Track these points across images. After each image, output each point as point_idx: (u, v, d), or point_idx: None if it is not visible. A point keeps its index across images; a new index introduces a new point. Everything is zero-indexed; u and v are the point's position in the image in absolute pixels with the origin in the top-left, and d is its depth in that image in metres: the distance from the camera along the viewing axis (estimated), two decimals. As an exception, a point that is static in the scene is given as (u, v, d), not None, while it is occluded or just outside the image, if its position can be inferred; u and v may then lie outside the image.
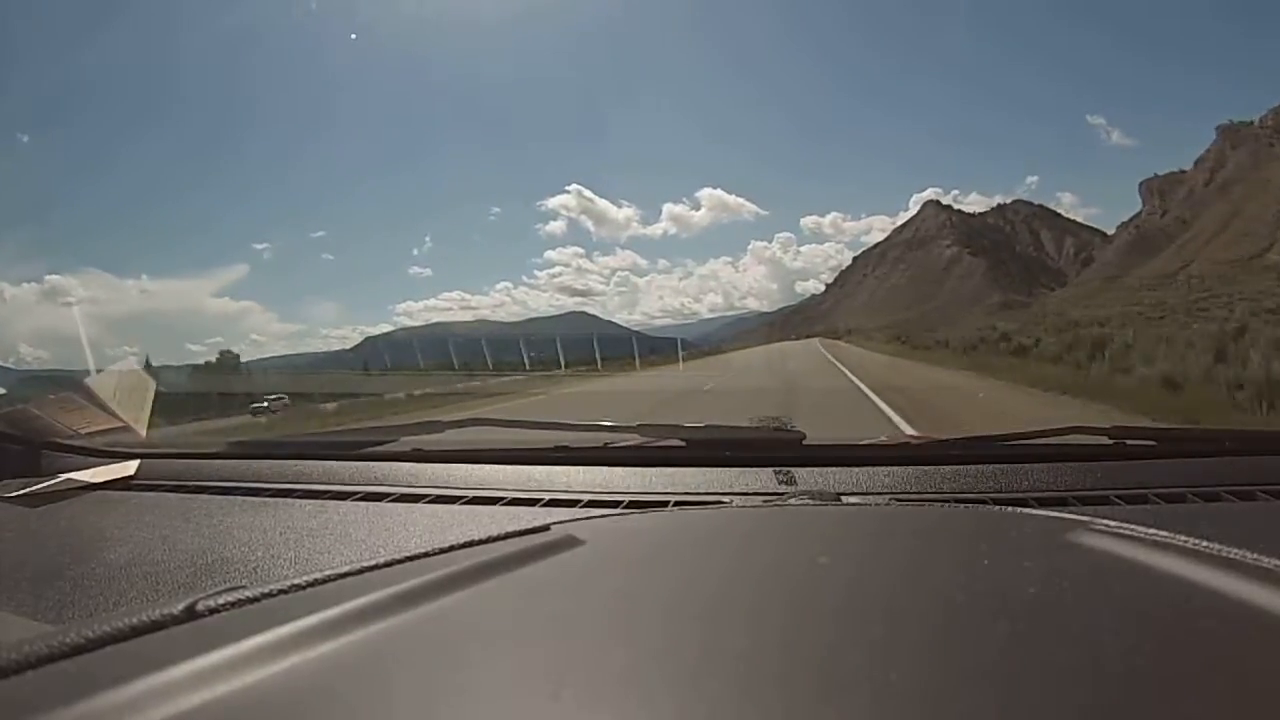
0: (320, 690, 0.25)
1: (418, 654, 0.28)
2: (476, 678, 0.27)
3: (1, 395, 1.35)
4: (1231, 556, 0.37)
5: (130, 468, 1.22)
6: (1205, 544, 0.39)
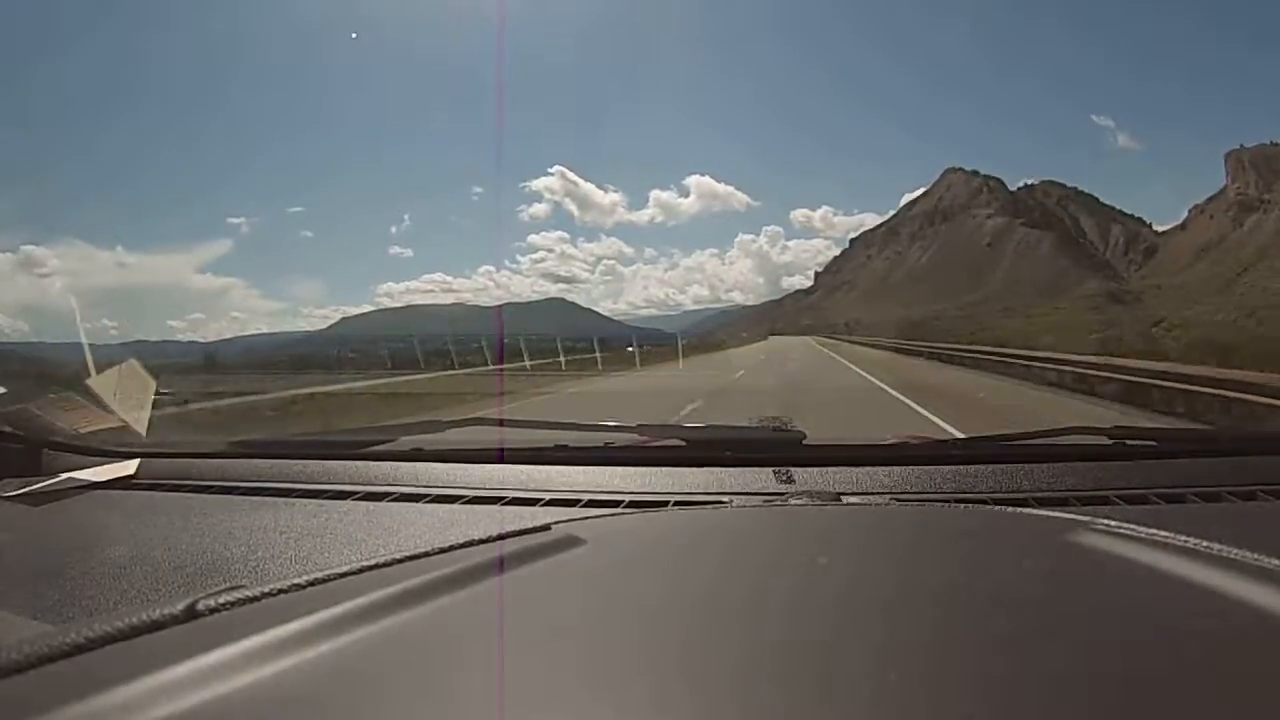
0: (320, 690, 0.25)
1: (418, 654, 0.28)
2: (477, 678, 0.27)
3: (1, 395, 1.34)
4: (1231, 556, 0.37)
5: (130, 467, 1.22)
6: (1205, 544, 0.39)
